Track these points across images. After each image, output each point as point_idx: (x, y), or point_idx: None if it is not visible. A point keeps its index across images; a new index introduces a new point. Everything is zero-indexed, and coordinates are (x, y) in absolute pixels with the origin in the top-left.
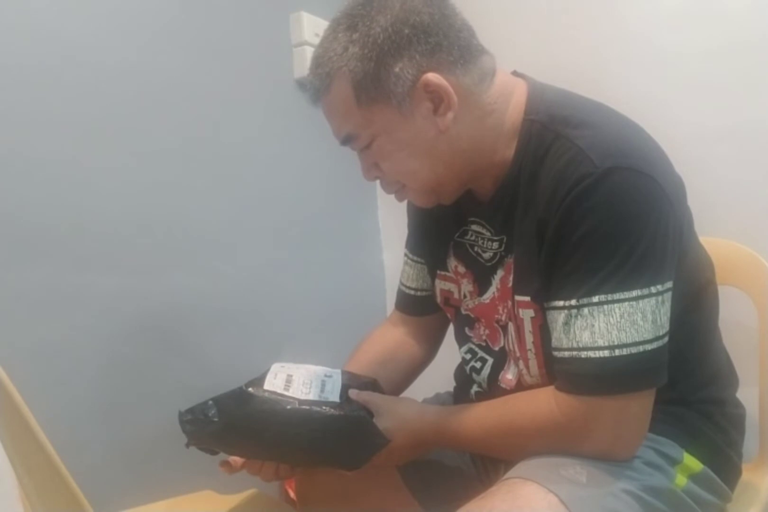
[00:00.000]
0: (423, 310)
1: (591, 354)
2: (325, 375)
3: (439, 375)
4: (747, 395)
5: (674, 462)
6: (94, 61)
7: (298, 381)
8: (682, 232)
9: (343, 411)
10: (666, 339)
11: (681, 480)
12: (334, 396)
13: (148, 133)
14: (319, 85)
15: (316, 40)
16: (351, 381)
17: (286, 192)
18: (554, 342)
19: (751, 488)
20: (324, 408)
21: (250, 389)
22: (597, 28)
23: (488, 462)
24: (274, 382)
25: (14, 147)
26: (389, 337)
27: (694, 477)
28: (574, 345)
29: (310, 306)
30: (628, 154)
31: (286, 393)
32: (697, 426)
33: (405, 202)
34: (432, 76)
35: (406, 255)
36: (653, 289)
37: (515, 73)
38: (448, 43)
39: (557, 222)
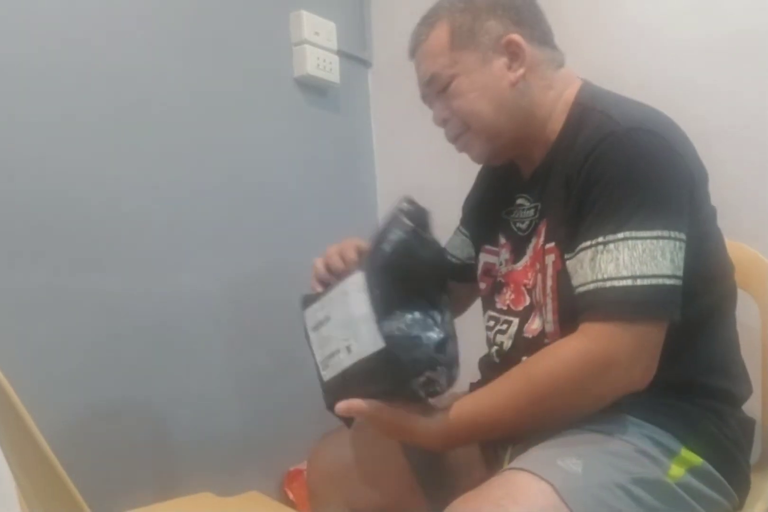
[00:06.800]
0: (457, 277)
1: (615, 283)
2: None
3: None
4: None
5: (671, 453)
6: (93, 61)
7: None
8: (697, 202)
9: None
10: (680, 282)
11: (677, 471)
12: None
13: (148, 133)
14: (423, 31)
15: (316, 39)
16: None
17: (286, 191)
18: (579, 280)
19: (752, 489)
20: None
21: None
22: (598, 26)
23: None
24: None
25: (15, 147)
26: None
27: (693, 470)
28: (599, 276)
29: None
30: (652, 124)
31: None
32: (699, 421)
33: None
34: (515, 37)
35: (458, 228)
36: (672, 234)
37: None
38: (531, 23)
39: (585, 172)
